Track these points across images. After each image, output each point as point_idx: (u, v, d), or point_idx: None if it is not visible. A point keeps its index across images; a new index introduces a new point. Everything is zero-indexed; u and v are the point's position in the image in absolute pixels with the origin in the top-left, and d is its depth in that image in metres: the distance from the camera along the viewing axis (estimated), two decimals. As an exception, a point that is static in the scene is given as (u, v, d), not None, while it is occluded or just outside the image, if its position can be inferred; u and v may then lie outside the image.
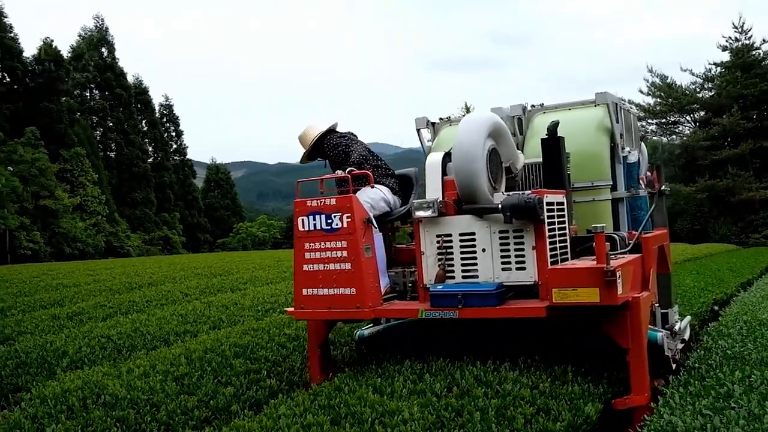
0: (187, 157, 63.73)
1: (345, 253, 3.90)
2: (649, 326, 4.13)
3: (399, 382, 3.56)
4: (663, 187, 4.48)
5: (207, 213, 60.82)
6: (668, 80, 39.22)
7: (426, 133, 5.22)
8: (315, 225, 3.99)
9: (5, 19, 45.47)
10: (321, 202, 3.99)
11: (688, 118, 40.48)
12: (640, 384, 3.45)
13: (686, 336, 4.74)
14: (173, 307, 8.02)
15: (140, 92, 58.31)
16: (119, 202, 50.32)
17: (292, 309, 4.19)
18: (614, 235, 4.04)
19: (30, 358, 5.43)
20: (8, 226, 34.30)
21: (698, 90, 39.11)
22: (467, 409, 3.10)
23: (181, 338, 6.12)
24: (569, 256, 3.97)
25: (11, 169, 37.32)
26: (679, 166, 38.81)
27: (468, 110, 5.87)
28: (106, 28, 56.54)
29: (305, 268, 4.03)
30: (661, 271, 4.47)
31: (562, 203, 3.95)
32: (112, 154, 53.74)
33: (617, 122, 4.64)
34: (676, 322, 4.49)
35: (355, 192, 4.34)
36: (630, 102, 41.58)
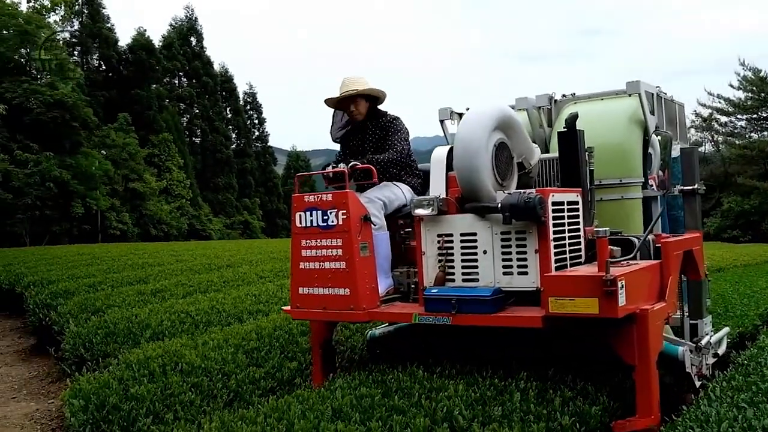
0: (268, 144, 65.53)
1: (340, 252, 3.72)
2: (673, 339, 3.84)
3: (449, 363, 3.74)
4: (696, 187, 4.04)
5: (286, 199, 62.13)
6: (761, 74, 37.41)
7: (450, 125, 4.96)
8: (312, 221, 3.83)
9: (103, 11, 48.00)
10: (318, 197, 3.83)
11: (782, 114, 38.29)
12: (646, 405, 3.10)
13: (721, 350, 4.32)
14: (248, 288, 8.24)
15: (225, 80, 60.20)
16: (202, 187, 52.23)
17: (288, 308, 4.06)
18: (633, 239, 3.66)
19: (117, 328, 5.80)
20: (100, 207, 36.18)
21: (795, 85, 36.88)
22: (509, 389, 3.28)
23: (253, 316, 6.36)
24: (583, 260, 3.64)
25: (104, 152, 39.35)
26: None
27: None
28: (196, 18, 58.59)
29: (302, 266, 3.89)
30: (692, 278, 4.08)
31: (575, 202, 3.63)
32: (197, 140, 55.86)
33: (652, 114, 4.22)
34: (707, 334, 4.08)
35: (365, 188, 4.18)
36: (719, 96, 39.55)
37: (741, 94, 38.87)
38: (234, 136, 60.33)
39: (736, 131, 41.38)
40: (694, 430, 2.80)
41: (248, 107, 64.46)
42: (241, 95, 63.38)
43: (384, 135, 4.42)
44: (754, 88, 37.57)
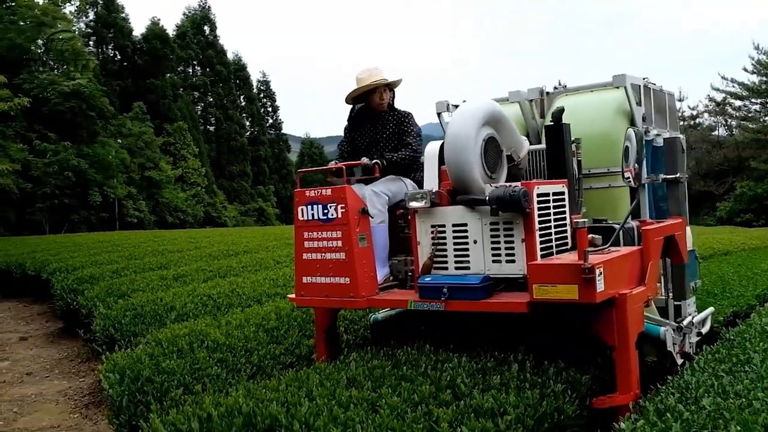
0: (282, 131, 65.88)
1: (340, 243, 3.94)
2: (658, 319, 4.05)
3: (454, 340, 4.04)
4: (679, 175, 4.27)
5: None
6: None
7: (447, 117, 5.05)
8: (313, 215, 4.06)
9: (117, 0, 48.37)
10: (318, 192, 4.05)
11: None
12: (625, 383, 3.32)
13: (705, 329, 4.55)
14: (266, 273, 8.56)
15: (239, 69, 60.52)
16: (217, 175, 52.71)
17: (293, 296, 4.30)
18: (616, 226, 3.84)
19: (144, 310, 6.15)
20: (117, 195, 36.73)
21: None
22: (508, 361, 3.60)
23: (272, 299, 6.65)
24: (569, 247, 3.84)
25: (120, 141, 39.84)
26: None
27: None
28: (209, 6, 58.88)
29: (305, 256, 4.12)
30: (675, 262, 4.27)
31: (561, 193, 3.82)
32: (212, 129, 56.27)
33: (638, 105, 4.42)
34: (689, 314, 4.29)
35: (369, 180, 4.41)
36: (732, 80, 39.32)
37: (755, 78, 38.75)
38: (248, 124, 60.73)
39: (750, 115, 41.26)
40: (674, 396, 3.08)
41: (262, 95, 64.79)
42: (254, 83, 63.75)
43: (398, 129, 4.62)
44: (768, 71, 37.44)
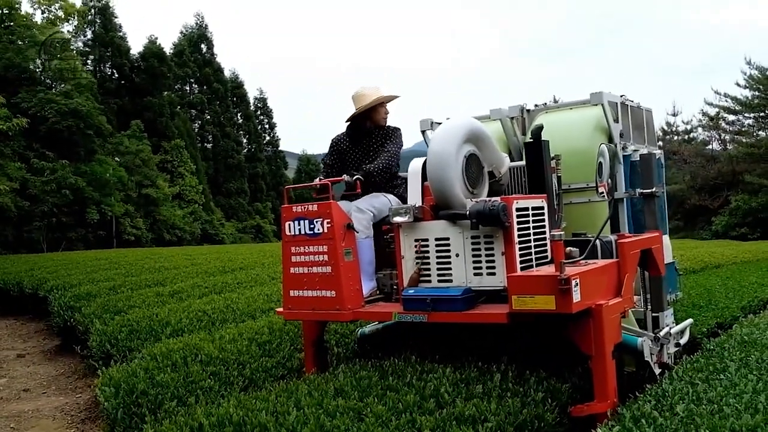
0: (279, 148, 66.14)
1: (326, 257, 4.07)
2: (636, 330, 4.17)
3: (440, 351, 4.15)
4: (654, 190, 4.40)
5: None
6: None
7: (431, 135, 5.07)
8: (300, 230, 4.19)
9: (115, 20, 48.76)
10: (305, 208, 4.18)
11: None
12: (602, 391, 3.44)
13: (684, 340, 4.66)
14: (260, 288, 8.66)
15: (236, 86, 60.79)
16: (215, 192, 52.78)
17: (281, 309, 4.42)
18: (592, 240, 3.95)
19: (140, 326, 6.26)
20: (115, 213, 36.77)
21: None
22: (491, 371, 3.70)
23: (266, 314, 6.76)
24: (549, 260, 3.95)
25: (118, 159, 39.96)
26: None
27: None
28: (206, 25, 59.26)
29: (292, 270, 4.24)
30: (653, 274, 4.40)
31: (540, 207, 3.96)
32: (209, 146, 56.39)
33: (616, 122, 4.58)
34: (667, 325, 4.41)
35: (357, 197, 4.51)
36: (725, 95, 39.79)
37: (747, 93, 39.25)
38: (245, 141, 60.89)
39: (743, 129, 41.69)
40: (651, 403, 3.20)
41: (259, 112, 65.03)
42: (251, 100, 64.06)
43: (383, 143, 4.76)
44: (761, 86, 37.79)
